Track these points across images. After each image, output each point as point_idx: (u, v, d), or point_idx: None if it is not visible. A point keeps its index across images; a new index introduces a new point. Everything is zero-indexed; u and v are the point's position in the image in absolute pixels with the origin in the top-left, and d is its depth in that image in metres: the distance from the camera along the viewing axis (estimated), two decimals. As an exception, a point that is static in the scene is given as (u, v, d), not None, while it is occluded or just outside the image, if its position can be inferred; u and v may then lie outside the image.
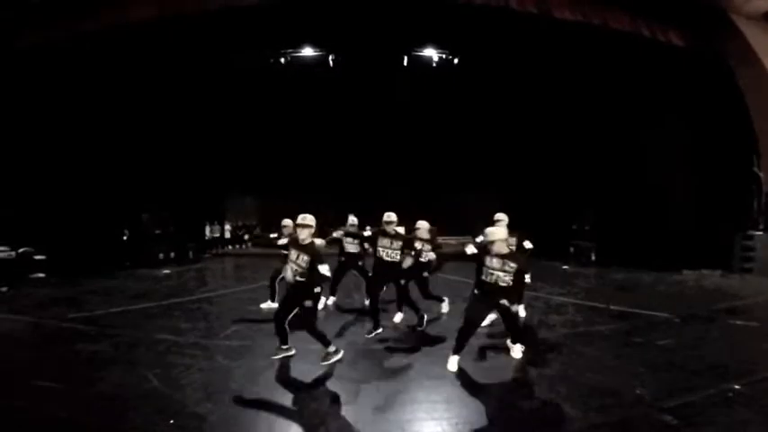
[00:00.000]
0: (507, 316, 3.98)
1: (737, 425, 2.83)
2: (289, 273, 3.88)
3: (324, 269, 3.80)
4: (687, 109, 9.64)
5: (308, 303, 3.86)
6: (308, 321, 3.93)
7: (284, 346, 4.08)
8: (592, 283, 8.44)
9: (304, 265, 3.86)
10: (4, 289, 7.40)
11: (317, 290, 3.93)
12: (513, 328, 4.13)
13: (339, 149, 14.12)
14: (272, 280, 6.01)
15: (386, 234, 4.91)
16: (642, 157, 10.22)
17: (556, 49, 9.87)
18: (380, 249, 4.92)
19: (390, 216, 4.95)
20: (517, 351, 4.17)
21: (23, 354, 4.34)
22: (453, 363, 3.88)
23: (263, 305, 6.05)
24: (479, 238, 4.42)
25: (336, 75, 12.09)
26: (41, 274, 8.86)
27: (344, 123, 13.74)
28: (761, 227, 9.04)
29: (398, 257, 4.85)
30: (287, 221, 5.66)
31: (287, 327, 4.00)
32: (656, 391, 3.32)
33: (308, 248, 3.91)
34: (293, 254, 3.96)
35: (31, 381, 3.49)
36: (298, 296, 3.90)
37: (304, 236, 3.97)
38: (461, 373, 3.77)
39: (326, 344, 3.99)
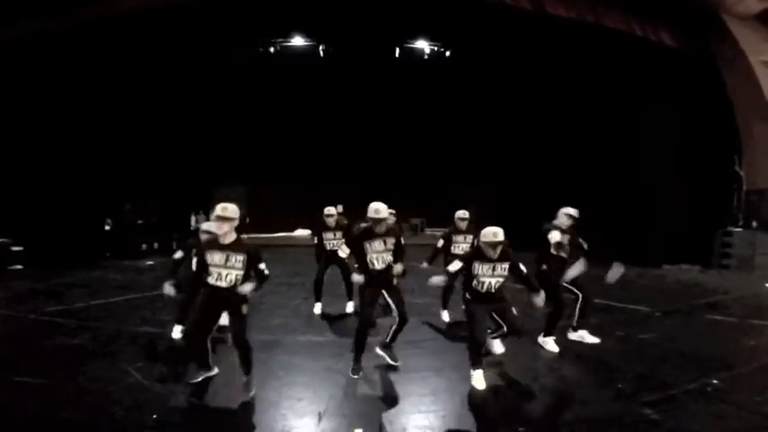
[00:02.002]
0: (507, 314, 3.54)
1: (716, 418, 2.90)
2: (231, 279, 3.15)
3: (262, 266, 3.23)
4: (675, 107, 9.76)
5: (245, 310, 3.21)
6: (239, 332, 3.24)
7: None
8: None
9: (239, 266, 3.16)
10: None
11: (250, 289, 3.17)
12: (512, 326, 3.56)
13: (328, 139, 14.01)
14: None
15: (376, 234, 3.60)
16: (628, 154, 10.35)
17: (548, 45, 9.87)
18: (373, 255, 3.59)
19: (379, 211, 3.55)
20: (498, 346, 3.78)
21: (1, 348, 4.21)
22: (478, 378, 3.34)
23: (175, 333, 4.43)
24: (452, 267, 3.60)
25: (326, 65, 11.95)
26: (19, 266, 8.61)
27: (334, 114, 13.65)
28: (740, 224, 9.28)
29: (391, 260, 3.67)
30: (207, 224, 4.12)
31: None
32: (637, 385, 3.39)
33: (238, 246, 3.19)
34: (220, 257, 3.13)
35: (10, 376, 3.40)
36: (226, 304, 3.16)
37: (225, 231, 3.18)
38: (447, 367, 3.78)
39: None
